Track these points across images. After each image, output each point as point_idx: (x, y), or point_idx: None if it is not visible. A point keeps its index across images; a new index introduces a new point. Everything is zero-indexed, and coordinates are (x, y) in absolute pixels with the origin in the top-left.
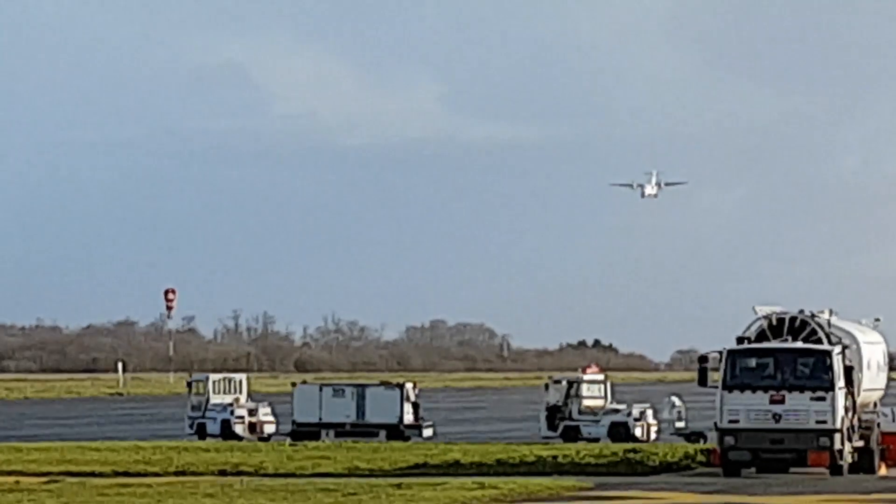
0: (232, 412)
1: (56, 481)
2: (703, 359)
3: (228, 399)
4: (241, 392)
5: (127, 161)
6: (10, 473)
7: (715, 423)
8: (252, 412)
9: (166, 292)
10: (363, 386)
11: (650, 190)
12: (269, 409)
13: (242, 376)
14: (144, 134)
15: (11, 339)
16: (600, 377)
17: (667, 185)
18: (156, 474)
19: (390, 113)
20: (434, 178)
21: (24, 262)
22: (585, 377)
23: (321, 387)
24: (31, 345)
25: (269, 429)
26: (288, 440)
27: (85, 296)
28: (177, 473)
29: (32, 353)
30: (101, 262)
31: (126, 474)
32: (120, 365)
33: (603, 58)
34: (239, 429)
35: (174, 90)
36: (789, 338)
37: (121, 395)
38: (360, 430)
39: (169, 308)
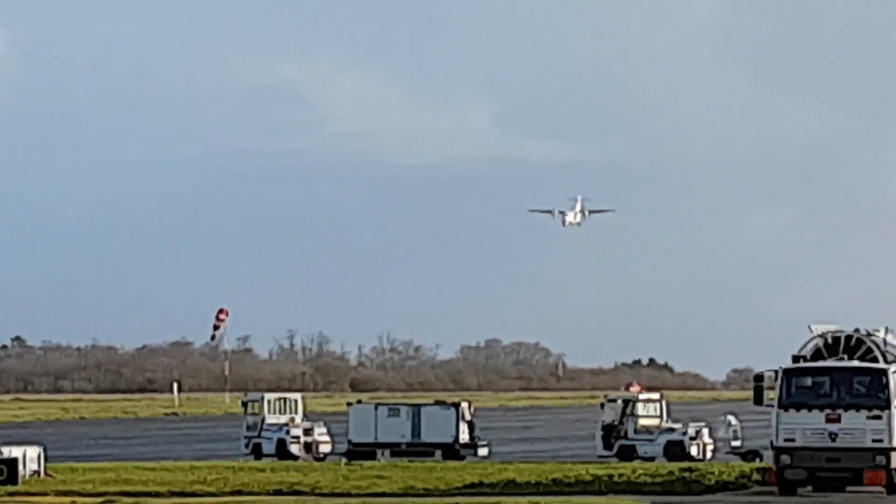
0: (287, 432)
1: (112, 502)
2: (758, 377)
3: (284, 419)
4: (296, 412)
5: (182, 180)
6: (66, 494)
7: (771, 442)
8: (308, 432)
9: (217, 312)
10: (418, 405)
11: (572, 218)
12: (324, 429)
13: (298, 396)
14: (199, 153)
15: (67, 359)
16: (656, 396)
17: (591, 212)
18: (211, 494)
19: (444, 132)
20: (488, 197)
21: (80, 282)
22: (641, 396)
23: (376, 406)
24: (86, 365)
25: (325, 448)
26: (343, 460)
27: (140, 316)
28: (232, 493)
29: (88, 373)
30: (157, 281)
31: (182, 494)
32: (175, 385)
33: (655, 76)
34: (294, 448)
35: (229, 110)
36: (845, 356)
37: (176, 414)
38: (416, 449)
39: (216, 327)
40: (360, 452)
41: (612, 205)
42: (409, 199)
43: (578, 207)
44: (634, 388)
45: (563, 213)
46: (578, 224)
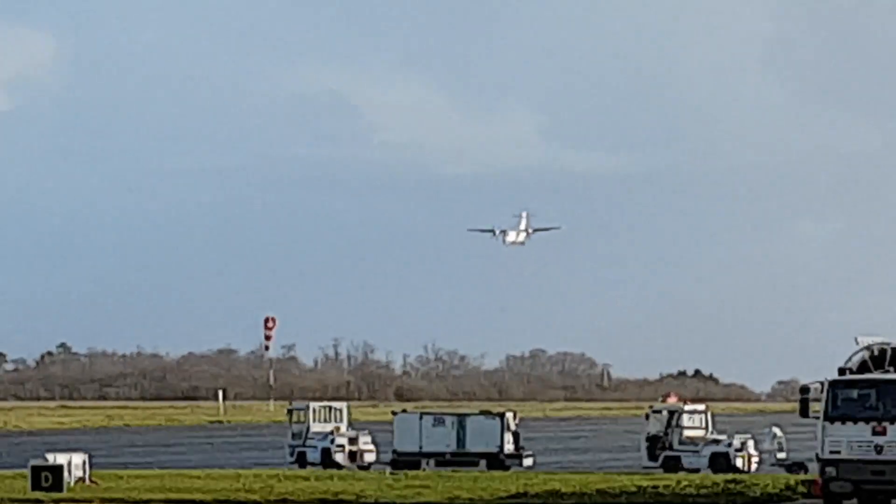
0: (332, 441)
1: None
2: (804, 389)
3: (329, 427)
4: (341, 420)
5: (229, 189)
6: (111, 501)
7: (816, 454)
8: (352, 441)
9: (266, 321)
10: (463, 415)
11: (513, 237)
12: (369, 438)
13: (343, 405)
14: (246, 162)
15: (112, 366)
16: (701, 407)
17: (536, 230)
18: (256, 502)
19: (489, 142)
20: (533, 208)
21: (126, 289)
22: (686, 407)
23: (421, 416)
24: (131, 372)
25: (370, 457)
26: (388, 469)
27: (185, 323)
28: (277, 502)
29: (133, 380)
30: (203, 289)
31: (227, 502)
32: (220, 393)
33: (701, 88)
34: (339, 457)
35: (277, 118)
36: (891, 368)
37: (221, 422)
38: (460, 459)
39: (268, 337)
40: (404, 462)
41: (654, 214)
42: (454, 209)
43: (522, 225)
44: (672, 399)
45: (504, 232)
46: (522, 243)
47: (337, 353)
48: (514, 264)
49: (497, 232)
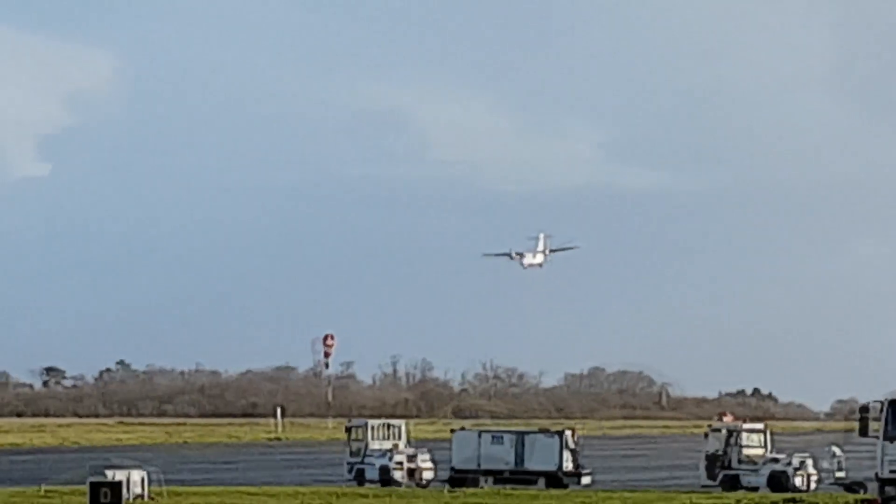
0: (391, 458)
1: None
2: (864, 409)
3: (387, 445)
4: (399, 438)
5: (287, 206)
6: None
7: (876, 474)
8: (411, 458)
9: (324, 338)
10: (522, 433)
11: (531, 259)
12: (427, 456)
13: (401, 422)
14: (304, 179)
15: (171, 383)
16: (760, 426)
17: (553, 251)
18: None
19: (548, 160)
20: (592, 226)
21: (185, 306)
22: (745, 426)
23: (480, 433)
24: (190, 389)
25: (428, 475)
26: (446, 487)
27: (244, 341)
28: None
29: (192, 397)
30: (261, 306)
31: None
32: (279, 410)
33: (762, 106)
34: (398, 475)
35: (335, 136)
36: None
37: (279, 439)
38: (519, 477)
39: (327, 354)
40: (462, 479)
41: (713, 232)
42: (512, 227)
43: (540, 246)
44: (728, 418)
45: (520, 255)
46: (540, 265)
47: (395, 371)
48: (574, 282)
49: (514, 255)
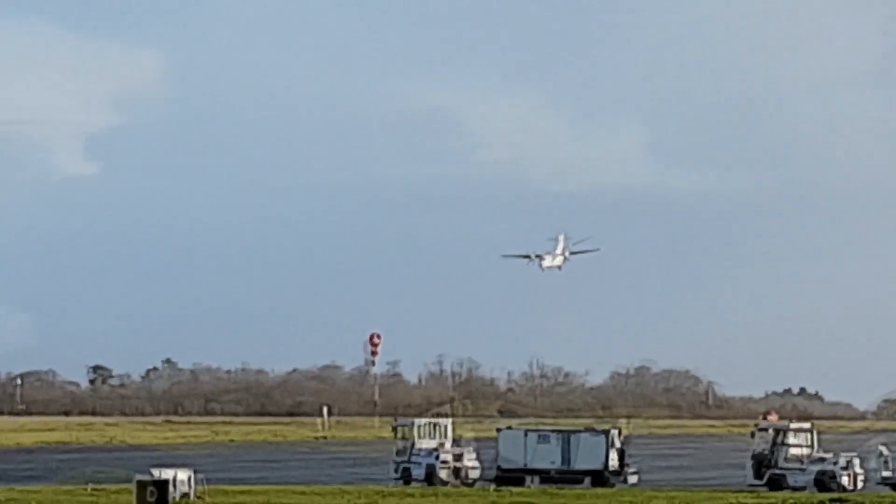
0: (437, 457)
1: None
2: None
3: (433, 444)
4: (446, 437)
5: (333, 205)
6: None
7: None
8: (457, 457)
9: (371, 337)
10: (568, 432)
11: (550, 261)
12: (474, 455)
13: (447, 421)
14: (351, 179)
15: (217, 382)
16: (807, 425)
17: (573, 253)
18: None
19: (595, 160)
20: (639, 225)
21: (231, 305)
22: (792, 425)
23: (526, 433)
24: (236, 388)
25: (474, 474)
26: (492, 486)
27: (290, 340)
28: None
29: (238, 396)
30: (308, 306)
31: None
32: (325, 409)
33: (809, 105)
34: (444, 474)
35: (381, 135)
36: None
37: (325, 438)
38: (565, 476)
39: (374, 353)
40: (508, 478)
41: (760, 232)
42: (556, 226)
43: (559, 250)
44: (773, 417)
45: (540, 257)
46: (559, 267)
47: (441, 370)
48: (621, 281)
49: (533, 257)
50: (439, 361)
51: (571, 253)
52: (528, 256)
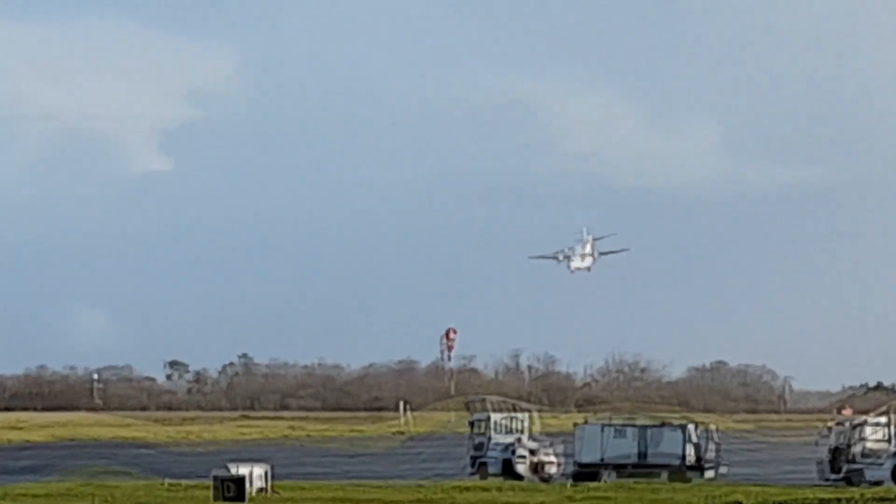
0: (513, 452)
1: None
2: None
3: (510, 439)
4: (523, 432)
5: (411, 200)
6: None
7: None
8: (534, 452)
9: (447, 332)
10: (646, 426)
11: (579, 262)
12: (551, 449)
13: (524, 415)
14: (429, 173)
15: (294, 377)
16: (883, 420)
17: (602, 254)
18: None
19: (672, 155)
20: (715, 220)
21: (308, 301)
22: (869, 420)
23: (603, 427)
24: (313, 384)
25: (551, 469)
26: (569, 481)
27: (367, 336)
28: None
29: (314, 391)
30: (384, 301)
31: None
32: (403, 404)
33: (884, 97)
34: (521, 468)
35: (460, 129)
36: None
37: (402, 433)
38: (642, 470)
39: (450, 348)
40: (585, 473)
41: (837, 226)
42: (635, 220)
43: (587, 249)
44: (847, 412)
45: (567, 258)
46: (588, 269)
47: (517, 364)
48: (699, 276)
49: (560, 258)
50: (515, 356)
51: (601, 254)
52: (555, 257)
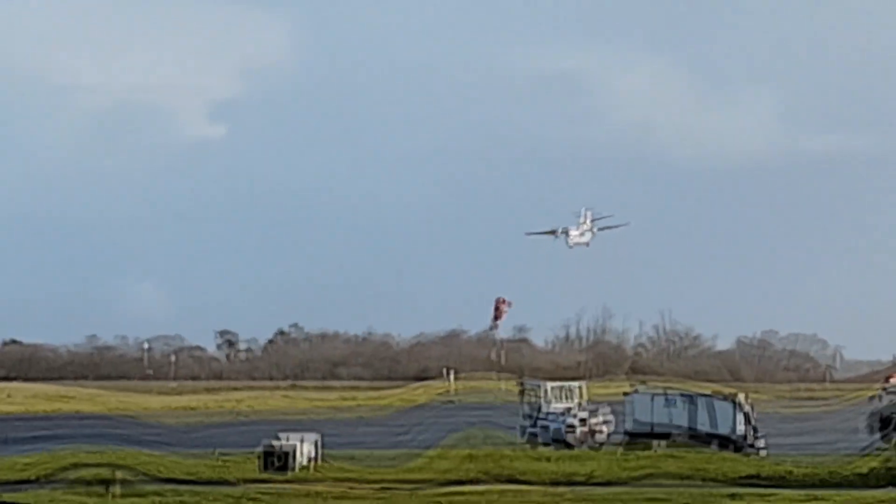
0: (564, 421)
1: (388, 489)
2: None
3: (562, 406)
4: (575, 400)
5: (459, 170)
6: (342, 481)
7: None
8: (585, 421)
9: (498, 301)
10: (696, 396)
11: (577, 237)
12: (600, 418)
13: (577, 384)
14: (478, 144)
15: (343, 347)
16: None
17: (601, 229)
18: (487, 482)
19: (725, 125)
20: (770, 191)
21: (357, 270)
22: None
23: (653, 396)
24: (361, 353)
25: (602, 437)
26: (620, 449)
27: (416, 305)
28: (508, 481)
29: (364, 360)
30: (434, 270)
31: (457, 482)
32: (447, 372)
33: None
34: (572, 436)
35: (510, 99)
36: None
37: (452, 402)
38: (692, 440)
39: (498, 318)
40: (636, 441)
41: (893, 194)
42: (688, 192)
43: (585, 225)
44: (894, 380)
45: (566, 233)
46: (587, 244)
47: (568, 334)
48: (747, 244)
49: (559, 233)
50: (566, 326)
51: (599, 229)
52: (553, 232)
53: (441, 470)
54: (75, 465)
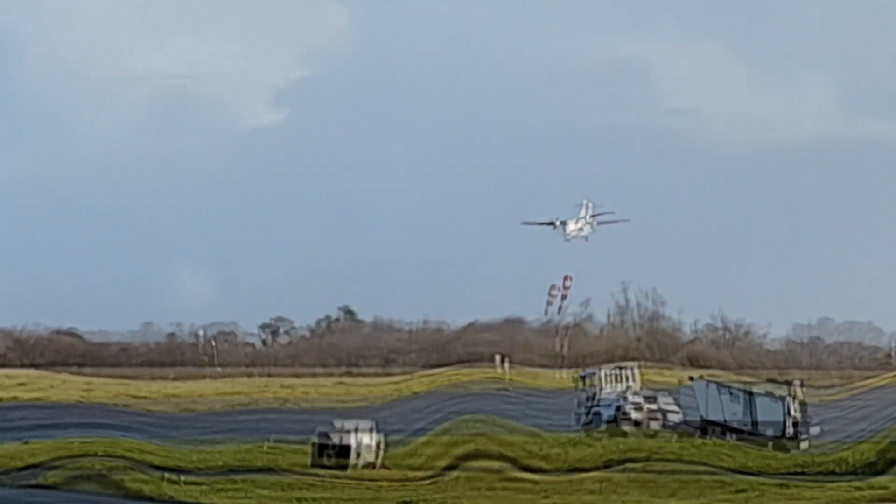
0: (618, 407)
1: (443, 476)
2: None
3: (617, 392)
4: (631, 385)
5: (515, 156)
6: (398, 468)
7: None
8: (639, 407)
9: (555, 285)
10: (751, 385)
11: (575, 231)
12: (656, 405)
13: (633, 367)
14: (533, 130)
15: (398, 334)
16: None
17: (601, 223)
18: (543, 471)
19: (779, 111)
20: (825, 177)
21: (414, 256)
22: None
23: (708, 384)
24: (417, 339)
25: (655, 425)
26: (674, 436)
27: (472, 291)
28: (567, 471)
29: (418, 347)
30: (491, 256)
31: (521, 467)
32: (500, 358)
33: None
34: (628, 420)
35: (566, 85)
36: None
37: (507, 390)
38: (748, 429)
39: (564, 297)
40: (693, 429)
41: None
42: (742, 178)
43: (584, 214)
44: None
45: (564, 224)
46: (585, 238)
47: (623, 320)
48: (800, 232)
49: (557, 224)
50: (621, 312)
51: (599, 223)
52: (551, 223)
53: (502, 455)
54: (129, 456)
